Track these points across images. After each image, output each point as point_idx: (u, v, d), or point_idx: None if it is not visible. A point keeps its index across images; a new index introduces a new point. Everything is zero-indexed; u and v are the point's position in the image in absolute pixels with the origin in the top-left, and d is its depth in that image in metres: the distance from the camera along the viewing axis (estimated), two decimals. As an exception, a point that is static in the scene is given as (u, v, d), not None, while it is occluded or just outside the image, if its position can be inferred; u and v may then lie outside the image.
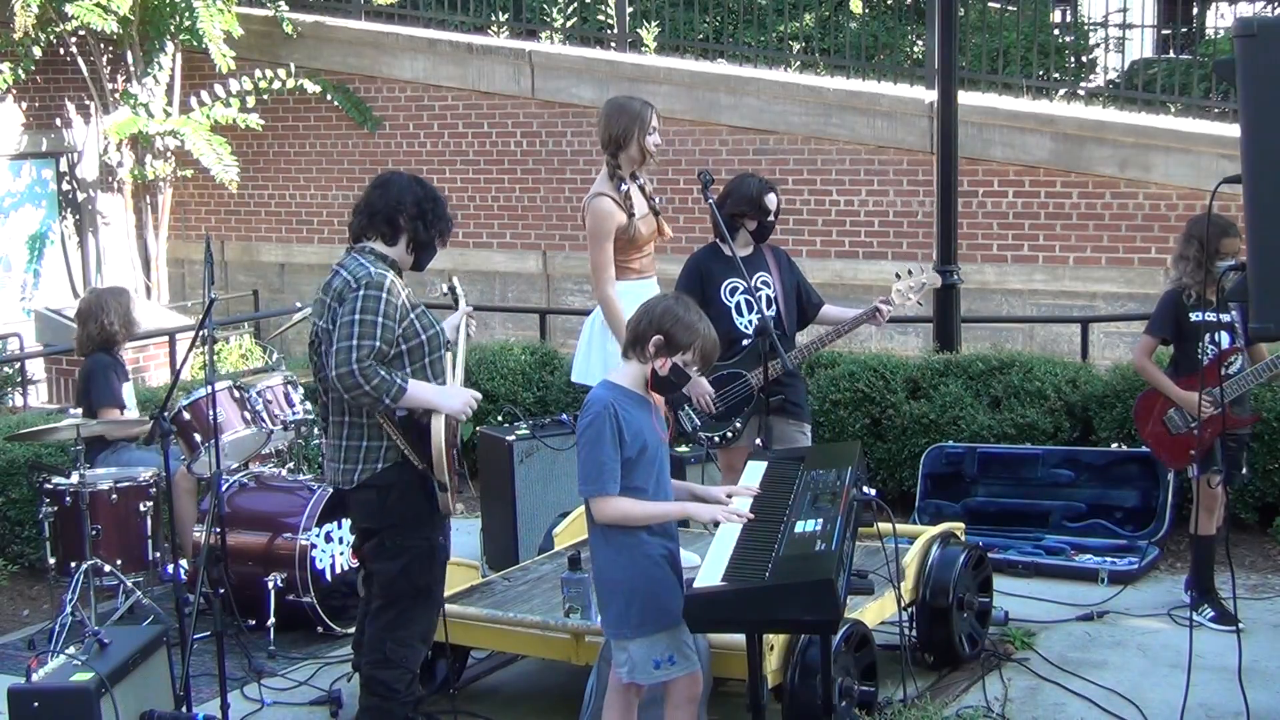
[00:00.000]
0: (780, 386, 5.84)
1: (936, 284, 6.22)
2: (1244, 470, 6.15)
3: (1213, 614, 5.94)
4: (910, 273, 5.98)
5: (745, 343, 5.89)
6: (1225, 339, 5.91)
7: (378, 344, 4.43)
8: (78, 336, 7.03)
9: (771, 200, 5.97)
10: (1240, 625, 5.64)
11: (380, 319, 4.45)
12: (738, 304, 5.88)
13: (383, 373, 4.42)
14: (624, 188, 5.82)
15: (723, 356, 5.83)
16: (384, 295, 4.47)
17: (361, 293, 4.46)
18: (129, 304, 7.06)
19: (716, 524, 4.22)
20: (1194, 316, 5.91)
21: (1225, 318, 5.87)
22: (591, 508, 4.09)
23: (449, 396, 4.61)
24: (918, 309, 6.13)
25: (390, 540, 4.65)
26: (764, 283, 5.95)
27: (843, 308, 6.27)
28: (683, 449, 7.03)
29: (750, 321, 5.89)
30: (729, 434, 5.91)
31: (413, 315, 4.58)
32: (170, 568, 6.00)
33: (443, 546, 4.76)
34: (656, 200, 6.06)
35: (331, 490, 6.13)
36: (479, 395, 4.77)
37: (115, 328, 6.90)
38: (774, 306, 5.94)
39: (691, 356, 4.12)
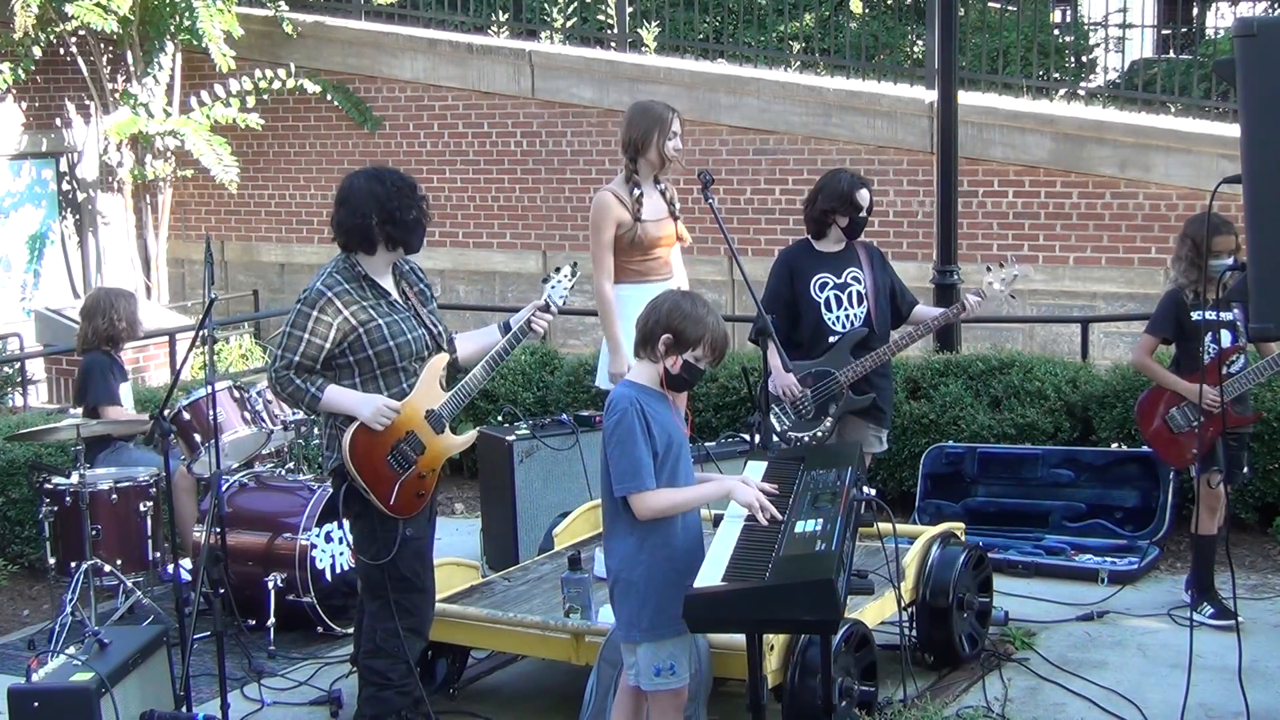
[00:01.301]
0: (871, 387, 5.84)
1: (1029, 275, 6.18)
2: (1246, 469, 6.15)
3: (1212, 611, 5.94)
4: (1001, 265, 5.97)
5: (833, 339, 5.87)
6: (1227, 338, 5.91)
7: (296, 358, 4.61)
8: (80, 330, 7.04)
9: (864, 196, 5.94)
10: (1240, 624, 5.64)
11: (306, 335, 4.61)
12: (827, 299, 5.85)
13: (297, 382, 4.62)
14: (636, 191, 5.80)
15: (812, 353, 5.83)
16: (314, 314, 4.61)
17: (297, 308, 4.66)
18: (136, 308, 7.09)
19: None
20: (1195, 316, 5.91)
21: (1226, 316, 5.87)
22: (632, 505, 4.01)
23: (362, 404, 4.63)
24: (1010, 302, 6.05)
25: (357, 531, 4.82)
26: (854, 279, 5.93)
27: (930, 307, 6.23)
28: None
29: (838, 318, 5.87)
30: (819, 433, 5.85)
31: (361, 331, 4.62)
32: (170, 568, 6.00)
33: (414, 538, 4.73)
34: (677, 205, 6.02)
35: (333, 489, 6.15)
36: (395, 405, 4.65)
37: (121, 326, 6.92)
38: (864, 304, 5.92)
39: (702, 352, 4.08)
